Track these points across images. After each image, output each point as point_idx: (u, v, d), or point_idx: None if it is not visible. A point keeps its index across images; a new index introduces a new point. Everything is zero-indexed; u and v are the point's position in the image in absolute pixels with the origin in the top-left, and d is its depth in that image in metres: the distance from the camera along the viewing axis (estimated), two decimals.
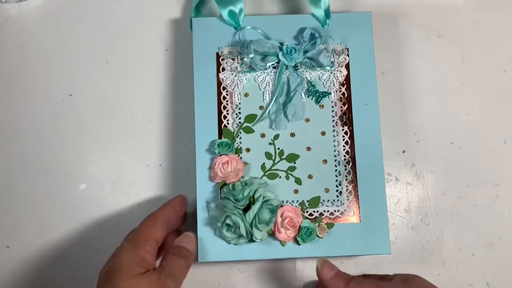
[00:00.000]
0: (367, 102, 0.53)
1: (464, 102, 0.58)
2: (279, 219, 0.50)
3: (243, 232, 0.49)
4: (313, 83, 0.53)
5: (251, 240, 0.50)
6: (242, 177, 0.51)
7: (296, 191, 0.51)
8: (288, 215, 0.50)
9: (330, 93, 0.53)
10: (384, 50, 0.59)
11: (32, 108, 0.57)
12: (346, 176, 0.52)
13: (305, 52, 0.53)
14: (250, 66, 0.53)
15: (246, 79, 0.53)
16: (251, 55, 0.52)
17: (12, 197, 0.56)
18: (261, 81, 0.53)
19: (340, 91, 0.53)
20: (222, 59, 0.53)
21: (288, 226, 0.50)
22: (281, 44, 0.53)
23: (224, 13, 0.54)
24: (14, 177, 0.56)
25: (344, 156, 0.52)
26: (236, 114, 0.53)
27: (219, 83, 0.53)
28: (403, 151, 0.57)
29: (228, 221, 0.49)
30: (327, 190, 0.51)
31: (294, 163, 0.52)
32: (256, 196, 0.50)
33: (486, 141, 0.58)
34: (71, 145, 0.57)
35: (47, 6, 0.59)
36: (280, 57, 0.52)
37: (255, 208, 0.49)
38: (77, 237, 0.55)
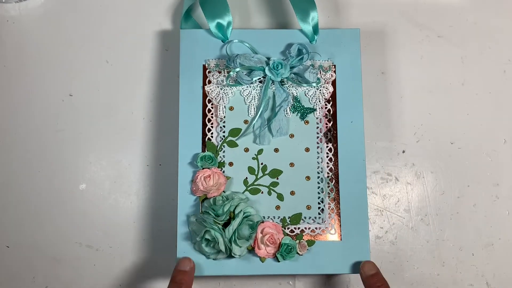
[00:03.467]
0: (353, 119, 0.52)
1: (464, 102, 0.58)
2: (259, 235, 0.50)
3: (222, 247, 0.48)
4: (298, 99, 0.53)
5: (230, 255, 0.49)
6: (223, 191, 0.51)
7: (277, 207, 0.51)
8: (269, 231, 0.50)
9: (315, 110, 0.53)
10: (384, 50, 0.59)
11: (32, 108, 0.57)
12: (328, 193, 0.51)
13: (292, 67, 0.53)
14: (236, 80, 0.53)
15: (231, 92, 0.53)
16: (237, 69, 0.52)
17: (12, 197, 0.56)
18: (247, 95, 0.53)
19: (326, 107, 0.53)
20: (209, 72, 0.53)
21: (268, 243, 0.49)
22: (268, 58, 0.53)
23: (212, 25, 0.53)
24: (14, 177, 0.56)
25: (328, 173, 0.52)
26: (221, 127, 0.52)
27: (204, 95, 0.53)
28: (403, 151, 0.57)
29: (207, 236, 0.49)
30: (309, 207, 0.51)
31: (277, 178, 0.52)
32: (236, 211, 0.50)
33: (486, 141, 0.58)
34: (71, 145, 0.57)
35: (47, 6, 0.59)
36: (267, 72, 0.52)
37: (234, 223, 0.49)
38: (77, 237, 0.55)
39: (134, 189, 0.56)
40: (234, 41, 0.53)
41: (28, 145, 0.57)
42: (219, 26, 0.53)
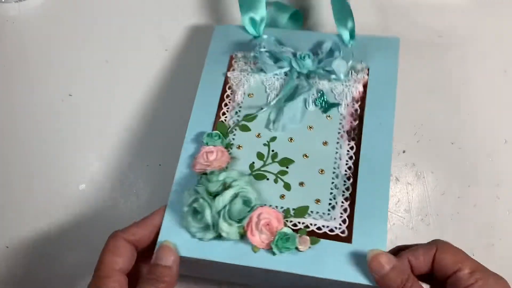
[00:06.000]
0: (382, 122, 0.49)
1: (465, 102, 0.58)
2: (255, 219, 0.42)
3: (208, 219, 0.41)
4: (323, 92, 0.50)
5: (219, 236, 0.42)
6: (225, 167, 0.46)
7: (282, 197, 0.45)
8: (266, 217, 0.42)
9: (340, 104, 0.49)
10: None
11: (31, 108, 0.57)
12: (343, 192, 0.45)
13: (320, 61, 0.50)
14: (261, 69, 0.51)
15: (253, 80, 0.51)
16: (262, 49, 0.50)
17: (11, 197, 0.56)
18: (269, 84, 0.51)
19: (353, 107, 0.49)
20: (235, 62, 0.52)
21: (264, 229, 0.42)
22: (295, 52, 0.51)
23: (245, 19, 0.53)
24: (14, 177, 0.56)
25: (346, 171, 0.46)
26: (236, 112, 0.50)
27: (226, 82, 0.51)
28: (403, 151, 0.57)
29: (195, 205, 0.42)
30: (318, 201, 0.45)
31: (287, 167, 0.47)
32: (233, 185, 0.43)
33: (487, 141, 0.58)
34: (71, 145, 0.57)
35: (47, 6, 0.60)
36: (292, 63, 0.50)
37: (226, 195, 0.42)
38: (77, 237, 0.55)
39: (134, 189, 0.56)
40: (265, 36, 0.52)
41: (27, 145, 0.57)
42: (252, 21, 0.53)
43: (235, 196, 0.43)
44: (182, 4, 0.59)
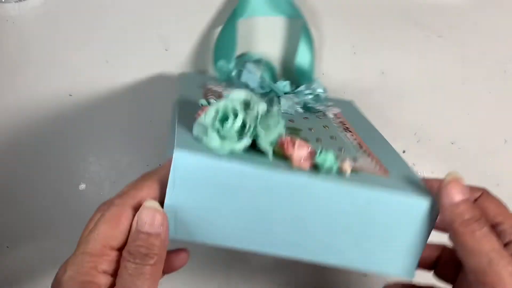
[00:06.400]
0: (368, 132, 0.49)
1: (464, 102, 0.58)
2: (288, 138, 0.36)
3: (245, 119, 0.34)
4: (308, 103, 0.51)
5: (251, 147, 0.35)
6: None
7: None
8: (299, 141, 0.36)
9: (326, 110, 0.50)
10: (384, 50, 0.59)
11: (31, 108, 0.57)
12: (361, 153, 0.42)
13: (297, 87, 0.52)
14: (242, 85, 0.51)
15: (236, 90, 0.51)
16: (246, 60, 0.51)
17: (11, 197, 0.56)
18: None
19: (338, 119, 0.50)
20: (209, 87, 0.51)
21: (301, 147, 0.36)
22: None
23: (218, 65, 0.53)
24: (14, 177, 0.56)
25: (355, 145, 0.44)
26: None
27: (205, 93, 0.48)
28: (403, 151, 0.57)
29: (227, 109, 0.35)
30: (341, 149, 0.41)
31: (298, 133, 0.42)
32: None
33: (486, 141, 0.58)
34: (71, 145, 0.57)
35: (47, 6, 0.59)
36: (271, 85, 0.51)
37: (261, 104, 0.36)
38: (76, 237, 0.55)
39: None
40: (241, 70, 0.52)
41: (27, 145, 0.57)
42: (225, 68, 0.53)
43: (268, 111, 0.36)
44: (182, 3, 0.59)
